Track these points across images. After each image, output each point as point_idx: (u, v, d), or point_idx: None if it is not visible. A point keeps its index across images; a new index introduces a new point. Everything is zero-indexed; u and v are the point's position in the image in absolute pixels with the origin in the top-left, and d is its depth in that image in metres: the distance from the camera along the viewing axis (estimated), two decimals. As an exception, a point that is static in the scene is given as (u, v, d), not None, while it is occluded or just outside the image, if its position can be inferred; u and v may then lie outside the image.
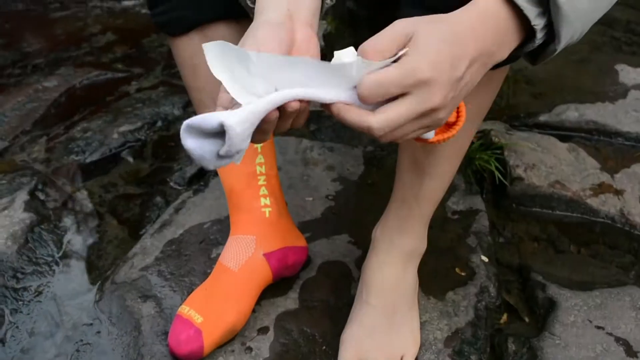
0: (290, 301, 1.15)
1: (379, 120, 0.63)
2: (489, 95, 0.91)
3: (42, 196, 1.43)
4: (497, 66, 0.70)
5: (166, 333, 1.09)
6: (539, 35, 0.68)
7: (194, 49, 1.02)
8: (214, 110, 1.04)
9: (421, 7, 0.77)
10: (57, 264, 1.27)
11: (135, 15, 2.37)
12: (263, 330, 1.09)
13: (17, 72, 1.98)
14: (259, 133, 0.65)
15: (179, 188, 1.48)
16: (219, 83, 1.03)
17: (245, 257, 1.09)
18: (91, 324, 1.14)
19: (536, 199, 1.38)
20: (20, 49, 2.13)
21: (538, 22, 0.66)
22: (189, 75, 1.06)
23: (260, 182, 1.10)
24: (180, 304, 1.09)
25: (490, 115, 1.32)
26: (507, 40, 0.68)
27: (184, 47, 1.02)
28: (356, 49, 0.65)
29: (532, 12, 0.65)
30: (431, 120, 0.64)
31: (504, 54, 0.68)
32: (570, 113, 1.60)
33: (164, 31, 1.03)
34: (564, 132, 1.58)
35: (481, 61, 0.66)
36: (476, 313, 1.11)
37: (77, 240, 1.33)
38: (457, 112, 0.77)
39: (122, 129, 1.66)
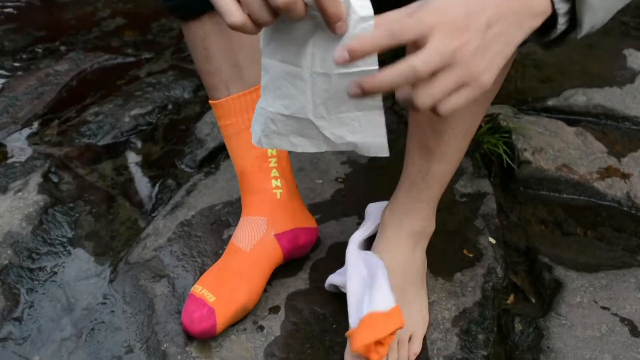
0: (300, 281, 1.17)
1: (419, 57, 0.60)
2: (497, 80, 0.92)
3: (55, 179, 1.45)
4: None
5: (179, 312, 1.11)
6: (561, 21, 0.67)
7: (206, 33, 1.03)
8: (226, 95, 1.06)
9: None
10: (71, 244, 1.29)
11: (144, 0, 2.38)
12: (274, 310, 1.12)
13: (29, 57, 2.00)
14: None
15: (190, 170, 1.50)
16: (231, 67, 1.05)
17: (257, 238, 1.10)
18: (105, 303, 1.16)
19: (543, 182, 1.40)
20: (31, 33, 2.14)
21: (561, 6, 0.66)
22: (201, 59, 1.07)
23: (272, 164, 1.12)
24: (193, 284, 1.11)
25: (499, 99, 1.34)
26: (532, 6, 0.65)
27: (195, 30, 1.03)
28: None
29: None
30: (463, 70, 0.61)
31: (532, 22, 0.66)
32: (578, 97, 1.61)
33: (176, 15, 1.04)
34: (572, 117, 1.59)
35: (510, 19, 0.64)
36: (483, 293, 1.13)
37: (90, 222, 1.35)
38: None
39: (134, 112, 1.68)
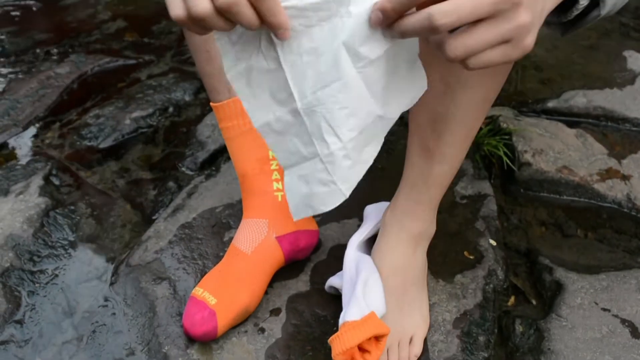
0: (301, 283, 1.17)
1: (442, 7, 0.53)
2: (498, 81, 0.92)
3: (56, 181, 1.45)
4: None
5: (180, 314, 1.11)
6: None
7: (208, 35, 1.03)
8: (228, 97, 1.06)
9: None
10: (72, 247, 1.29)
11: (145, 2, 2.38)
12: (275, 312, 1.12)
13: (29, 59, 2.00)
14: None
15: (191, 173, 1.50)
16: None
17: (258, 240, 1.11)
18: (106, 306, 1.16)
19: (544, 184, 1.40)
20: (32, 36, 2.15)
21: None
22: (203, 61, 1.07)
23: (273, 167, 1.12)
24: (194, 286, 1.11)
25: (499, 101, 1.34)
26: None
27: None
28: None
29: None
30: (512, 24, 0.54)
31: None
32: (579, 99, 1.61)
33: (178, 18, 1.05)
34: (572, 118, 1.59)
35: None
36: (484, 295, 1.13)
37: (91, 224, 1.35)
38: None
39: (134, 115, 1.68)
